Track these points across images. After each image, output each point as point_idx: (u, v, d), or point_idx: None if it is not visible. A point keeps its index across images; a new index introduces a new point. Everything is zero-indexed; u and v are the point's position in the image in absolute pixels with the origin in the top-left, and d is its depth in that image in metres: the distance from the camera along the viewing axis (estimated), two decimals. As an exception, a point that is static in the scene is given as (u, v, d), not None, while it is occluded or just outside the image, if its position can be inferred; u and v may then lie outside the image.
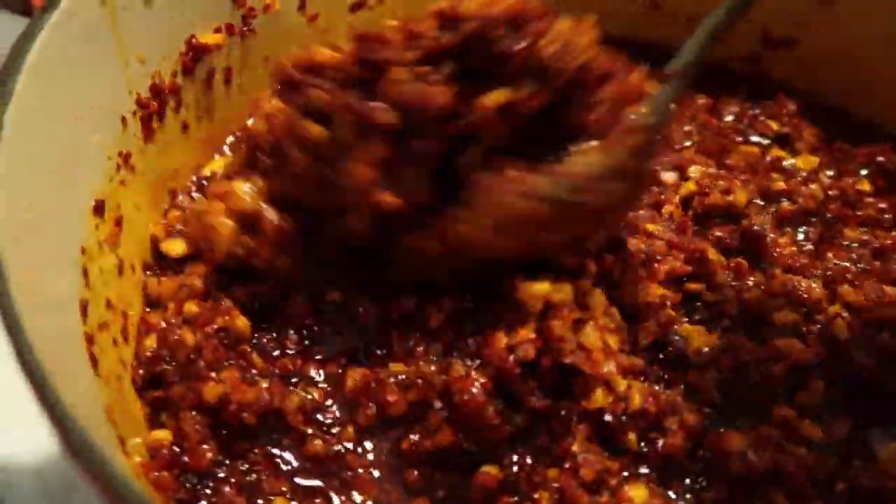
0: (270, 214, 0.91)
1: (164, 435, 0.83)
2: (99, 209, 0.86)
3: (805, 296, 0.93)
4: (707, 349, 0.89)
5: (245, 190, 0.92)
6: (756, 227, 0.99)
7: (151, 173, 0.97)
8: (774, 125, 1.15)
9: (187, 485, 0.81)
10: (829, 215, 1.04)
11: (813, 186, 1.04)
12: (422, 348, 0.87)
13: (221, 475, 0.82)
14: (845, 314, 0.91)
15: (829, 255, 0.99)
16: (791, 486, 0.81)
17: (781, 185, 1.04)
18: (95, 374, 0.76)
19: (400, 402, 0.85)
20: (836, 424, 0.86)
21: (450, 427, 0.82)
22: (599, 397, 0.83)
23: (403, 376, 0.86)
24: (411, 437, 0.84)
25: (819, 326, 0.91)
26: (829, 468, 0.82)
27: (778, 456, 0.82)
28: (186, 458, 0.82)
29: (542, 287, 0.85)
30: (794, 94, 1.19)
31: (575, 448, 0.82)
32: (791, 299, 0.92)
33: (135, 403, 0.85)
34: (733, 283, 0.95)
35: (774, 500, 0.80)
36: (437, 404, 0.84)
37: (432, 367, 0.85)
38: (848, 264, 0.98)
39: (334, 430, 0.86)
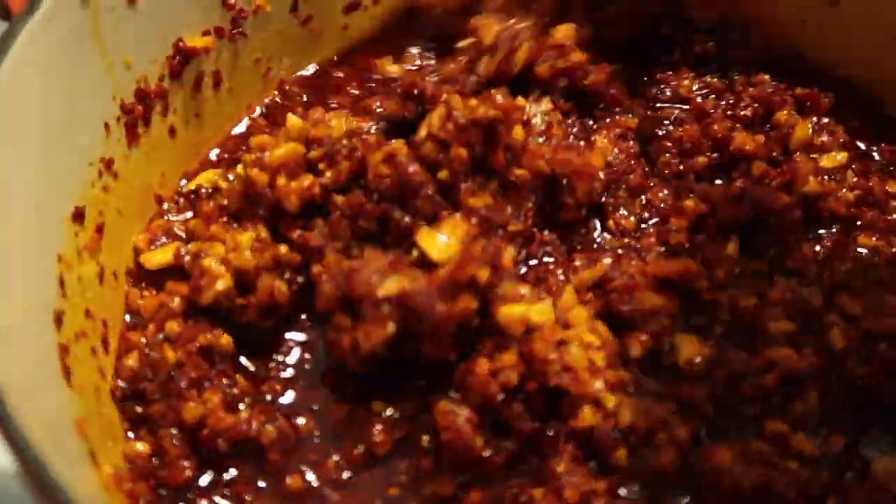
0: (269, 281, 0.89)
1: (142, 448, 0.82)
2: (79, 216, 0.85)
3: (803, 305, 0.90)
4: (699, 360, 0.86)
5: (251, 245, 0.90)
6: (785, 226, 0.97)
7: (136, 179, 0.96)
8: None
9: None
10: (853, 220, 1.01)
11: (844, 190, 1.01)
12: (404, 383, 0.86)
13: (201, 490, 0.81)
14: (842, 323, 0.88)
15: (837, 264, 0.96)
16: (782, 502, 0.78)
17: (816, 186, 1.00)
18: (68, 386, 0.75)
19: (387, 441, 0.83)
20: (830, 437, 0.84)
21: (442, 471, 0.81)
22: (588, 415, 0.80)
23: (389, 412, 0.85)
24: (401, 477, 0.82)
25: (815, 336, 0.88)
26: (822, 483, 0.80)
27: (768, 471, 0.79)
28: (165, 472, 0.81)
29: (521, 309, 0.82)
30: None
31: (560, 468, 0.80)
32: (789, 308, 0.90)
33: (113, 413, 0.84)
34: (729, 288, 0.92)
35: None
36: (425, 439, 0.82)
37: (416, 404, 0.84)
38: (854, 272, 0.95)
39: (315, 466, 0.84)
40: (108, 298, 0.89)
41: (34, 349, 0.73)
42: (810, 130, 1.06)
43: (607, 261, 0.94)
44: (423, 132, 0.92)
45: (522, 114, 0.99)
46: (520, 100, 1.01)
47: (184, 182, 1.04)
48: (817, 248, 0.99)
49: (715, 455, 0.80)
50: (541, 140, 1.00)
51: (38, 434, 0.63)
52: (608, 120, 1.09)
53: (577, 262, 0.95)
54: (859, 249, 0.98)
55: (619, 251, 0.97)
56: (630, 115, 1.10)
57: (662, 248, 0.98)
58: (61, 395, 0.74)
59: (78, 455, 0.72)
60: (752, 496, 0.79)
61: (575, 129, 1.06)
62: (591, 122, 1.09)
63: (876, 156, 1.10)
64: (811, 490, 0.79)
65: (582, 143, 1.05)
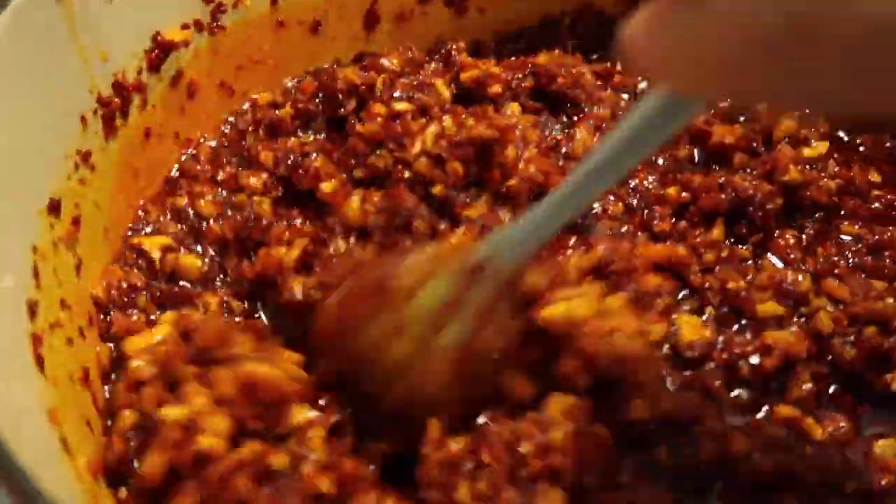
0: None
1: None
2: (54, 208, 0.85)
3: (791, 288, 0.90)
4: (700, 342, 0.86)
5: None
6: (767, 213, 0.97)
7: (115, 171, 0.96)
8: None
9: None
10: (836, 209, 1.01)
11: (825, 179, 1.01)
12: None
13: None
14: (830, 308, 0.88)
15: (820, 250, 0.97)
16: (804, 486, 0.78)
17: (797, 175, 1.00)
18: (41, 375, 0.75)
19: None
20: (834, 421, 0.84)
21: None
22: (640, 407, 0.79)
23: None
24: None
25: (804, 320, 0.89)
26: (836, 466, 0.80)
27: (786, 457, 0.79)
28: None
29: (563, 308, 0.79)
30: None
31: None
32: (777, 292, 0.90)
33: (89, 405, 0.83)
34: (718, 273, 0.93)
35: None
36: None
37: None
38: (838, 258, 0.96)
39: None
40: (86, 290, 0.89)
41: (4, 337, 0.73)
42: (795, 123, 1.06)
43: (601, 247, 0.93)
44: (416, 148, 0.92)
45: (517, 133, 0.99)
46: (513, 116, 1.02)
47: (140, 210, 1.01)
48: (802, 235, 0.99)
49: (732, 442, 0.79)
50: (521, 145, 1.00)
51: (7, 421, 0.63)
52: (581, 115, 1.10)
53: (571, 247, 0.95)
54: (842, 237, 0.99)
55: (609, 233, 0.98)
56: (602, 107, 1.10)
57: (647, 235, 0.98)
58: (34, 384, 0.74)
59: (50, 444, 0.72)
60: (776, 482, 0.78)
61: (549, 124, 1.07)
62: (564, 118, 1.10)
63: (860, 146, 1.10)
64: (828, 475, 0.79)
65: (561, 138, 1.06)
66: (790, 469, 0.78)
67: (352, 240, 0.93)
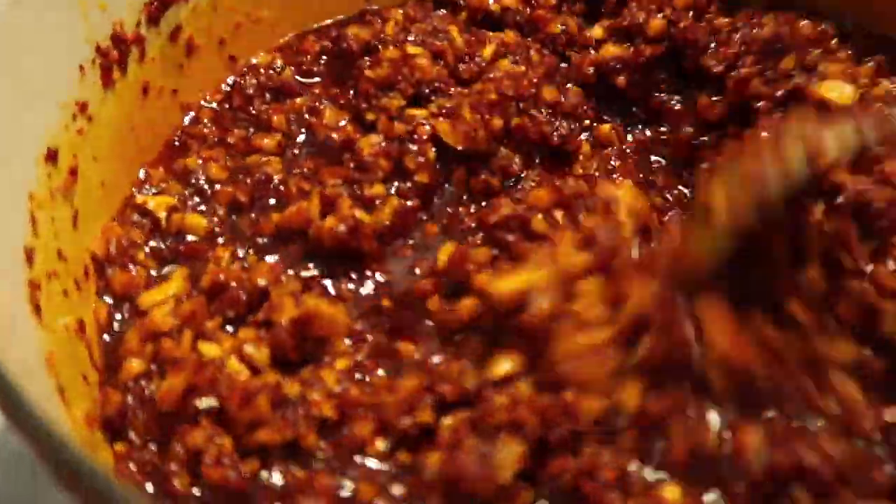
0: None
1: (116, 398, 0.79)
2: (51, 157, 0.83)
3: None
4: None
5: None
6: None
7: (112, 125, 0.94)
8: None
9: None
10: None
11: None
12: None
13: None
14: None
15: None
16: (817, 481, 0.71)
17: None
18: (38, 323, 0.74)
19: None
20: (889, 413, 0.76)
21: None
22: (593, 407, 0.74)
23: None
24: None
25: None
26: (857, 458, 0.73)
27: (799, 449, 0.71)
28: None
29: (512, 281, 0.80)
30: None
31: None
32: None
33: (85, 359, 0.82)
34: None
35: (798, 498, 0.71)
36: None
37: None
38: None
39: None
40: (84, 242, 0.88)
41: (3, 282, 0.72)
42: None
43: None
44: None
45: None
46: None
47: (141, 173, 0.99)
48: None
49: (744, 436, 0.73)
50: None
51: (12, 366, 0.61)
52: None
53: None
54: None
55: None
56: None
57: None
58: (31, 331, 0.73)
59: (48, 392, 0.70)
60: (786, 477, 0.72)
61: None
62: None
63: None
64: (848, 467, 0.72)
65: None
66: (803, 463, 0.71)
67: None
